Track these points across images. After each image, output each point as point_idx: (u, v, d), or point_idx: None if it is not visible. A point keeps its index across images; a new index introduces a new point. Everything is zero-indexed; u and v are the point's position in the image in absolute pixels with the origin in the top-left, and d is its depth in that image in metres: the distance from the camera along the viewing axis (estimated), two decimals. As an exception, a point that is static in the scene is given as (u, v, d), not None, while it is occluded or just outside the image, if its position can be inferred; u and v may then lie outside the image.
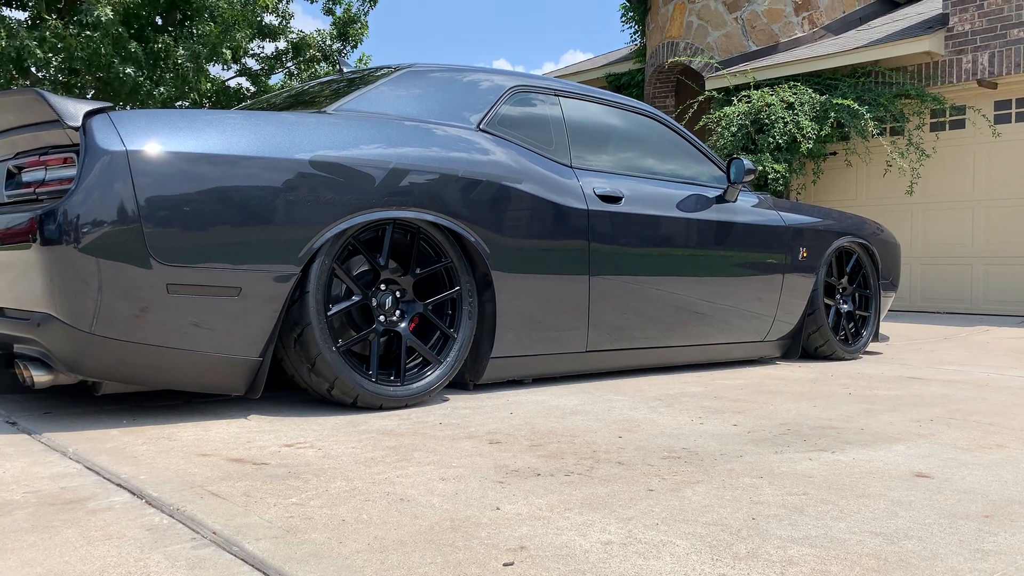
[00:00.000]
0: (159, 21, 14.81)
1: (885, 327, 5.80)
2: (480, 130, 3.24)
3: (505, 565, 1.43)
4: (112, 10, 12.08)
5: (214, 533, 1.57)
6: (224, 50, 13.09)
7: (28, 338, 2.47)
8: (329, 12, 16.50)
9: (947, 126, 8.81)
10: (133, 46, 12.59)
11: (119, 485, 1.88)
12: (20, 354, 2.55)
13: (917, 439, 2.52)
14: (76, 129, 2.37)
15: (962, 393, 3.47)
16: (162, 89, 13.43)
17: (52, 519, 1.64)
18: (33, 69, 13.14)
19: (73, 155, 2.40)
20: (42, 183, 2.47)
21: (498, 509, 1.74)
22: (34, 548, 1.49)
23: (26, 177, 2.53)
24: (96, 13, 11.76)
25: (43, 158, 2.49)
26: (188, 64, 12.99)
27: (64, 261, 2.32)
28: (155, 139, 2.44)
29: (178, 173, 2.44)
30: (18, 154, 2.62)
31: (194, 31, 13.09)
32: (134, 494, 1.81)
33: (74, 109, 2.38)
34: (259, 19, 14.07)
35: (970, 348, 5.41)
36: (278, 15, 15.89)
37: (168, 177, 2.42)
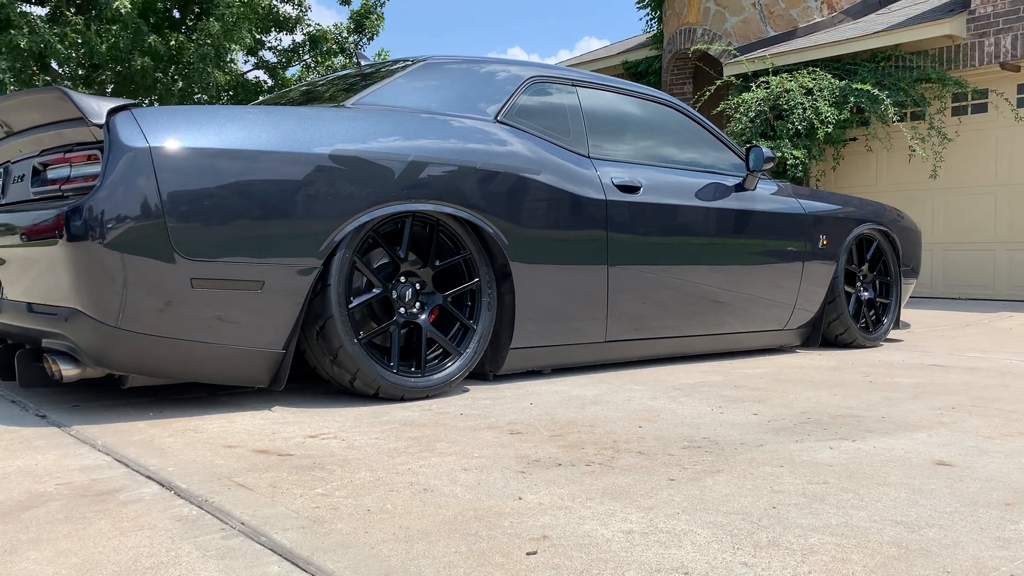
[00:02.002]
0: (176, 15, 14.89)
1: (906, 314, 5.77)
2: (498, 121, 3.25)
3: (528, 554, 1.45)
4: (131, 2, 12.16)
5: (242, 524, 1.60)
6: (231, 46, 13.13)
7: (56, 333, 2.51)
8: (345, 2, 16.52)
9: (969, 110, 8.70)
10: (152, 39, 12.68)
11: (148, 477, 1.92)
12: (48, 348, 2.59)
13: (938, 427, 2.52)
14: (100, 126, 2.40)
15: (984, 380, 3.45)
16: (181, 84, 13.53)
17: (85, 510, 1.68)
18: (55, 65, 13.26)
19: (97, 152, 2.44)
20: (67, 180, 2.50)
21: (520, 499, 1.76)
22: (68, 539, 1.52)
23: (51, 174, 2.57)
24: (115, 5, 11.84)
25: (68, 155, 2.52)
26: (197, 62, 13.07)
27: (90, 257, 2.36)
28: (177, 135, 2.46)
29: (200, 168, 2.47)
30: (43, 152, 2.65)
31: (202, 30, 13.17)
32: (163, 485, 1.85)
33: (98, 107, 2.41)
34: (267, 11, 14.08)
35: (993, 334, 5.37)
36: (295, 5, 15.91)
37: (191, 173, 2.45)
